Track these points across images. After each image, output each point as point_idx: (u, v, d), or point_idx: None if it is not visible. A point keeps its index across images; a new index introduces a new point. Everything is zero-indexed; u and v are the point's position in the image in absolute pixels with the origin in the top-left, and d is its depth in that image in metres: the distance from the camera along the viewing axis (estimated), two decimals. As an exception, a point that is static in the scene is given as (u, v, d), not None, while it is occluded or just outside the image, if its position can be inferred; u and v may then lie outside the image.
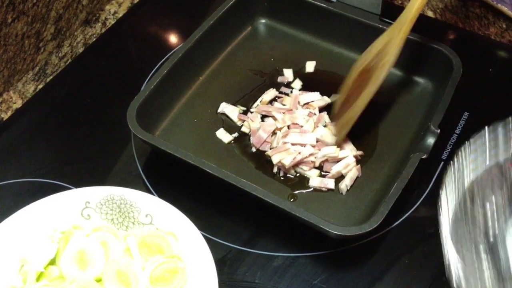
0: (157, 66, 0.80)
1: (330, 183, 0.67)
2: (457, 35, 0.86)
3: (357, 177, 0.67)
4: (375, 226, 0.58)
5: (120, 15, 0.89)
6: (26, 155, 0.72)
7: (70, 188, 0.65)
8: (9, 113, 0.77)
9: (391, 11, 0.83)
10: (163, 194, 0.66)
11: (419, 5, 0.64)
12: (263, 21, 0.84)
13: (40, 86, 0.80)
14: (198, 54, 0.76)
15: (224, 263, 0.62)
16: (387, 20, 0.77)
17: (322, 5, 0.78)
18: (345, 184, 0.66)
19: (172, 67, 0.72)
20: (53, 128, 0.75)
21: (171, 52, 0.81)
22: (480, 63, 0.81)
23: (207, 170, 0.63)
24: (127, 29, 0.87)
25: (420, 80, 0.76)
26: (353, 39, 0.79)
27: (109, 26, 0.87)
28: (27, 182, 0.69)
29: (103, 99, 0.78)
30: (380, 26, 0.76)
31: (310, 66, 0.79)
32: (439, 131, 0.64)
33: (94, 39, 0.86)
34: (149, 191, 0.67)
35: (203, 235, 0.58)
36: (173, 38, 0.87)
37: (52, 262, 0.57)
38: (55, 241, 0.57)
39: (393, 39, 0.65)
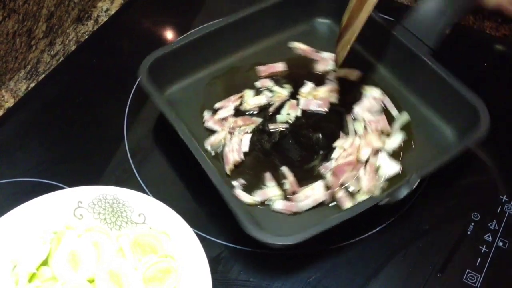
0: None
1: (294, 207, 0.64)
2: (452, 29, 0.85)
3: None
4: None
5: (113, 12, 0.88)
6: (18, 154, 0.71)
7: (63, 188, 0.65)
8: (1, 112, 0.76)
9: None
10: (156, 193, 0.65)
11: None
12: (323, 21, 0.83)
13: (32, 85, 0.79)
14: (243, 28, 0.76)
15: (218, 262, 0.61)
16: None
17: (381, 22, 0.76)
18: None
19: (211, 31, 0.73)
20: (46, 127, 0.74)
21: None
22: (475, 57, 0.80)
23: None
24: (119, 26, 0.87)
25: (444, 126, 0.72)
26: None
27: (102, 23, 0.87)
28: (19, 182, 0.68)
29: (96, 97, 0.78)
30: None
31: None
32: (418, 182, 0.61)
33: (87, 37, 0.85)
34: (142, 190, 0.67)
35: (196, 233, 0.58)
36: (166, 35, 0.86)
37: (44, 263, 0.56)
38: (47, 241, 0.57)
39: None
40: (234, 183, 0.66)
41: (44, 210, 0.59)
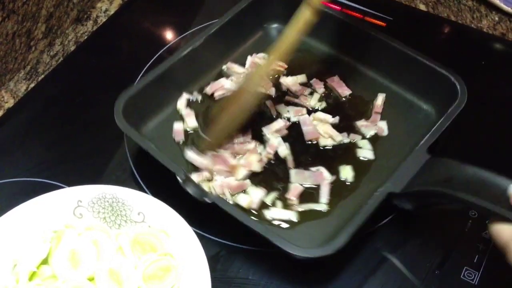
0: (149, 63, 0.80)
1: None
2: (449, 28, 0.85)
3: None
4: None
5: (112, 12, 0.89)
6: (18, 154, 0.72)
7: (63, 187, 0.65)
8: (1, 113, 0.77)
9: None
10: (156, 192, 0.65)
11: (284, 47, 0.64)
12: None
13: (32, 85, 0.80)
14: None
15: (217, 260, 0.62)
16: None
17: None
18: None
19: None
20: (46, 127, 0.75)
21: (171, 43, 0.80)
22: (473, 56, 0.80)
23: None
24: (118, 26, 0.87)
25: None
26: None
27: (101, 23, 0.87)
28: (19, 182, 0.69)
29: (95, 97, 0.78)
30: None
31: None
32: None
33: (86, 37, 0.85)
34: (142, 189, 0.67)
35: (196, 232, 0.58)
36: (165, 35, 0.86)
37: (45, 261, 0.57)
38: (47, 240, 0.57)
39: (260, 69, 0.67)
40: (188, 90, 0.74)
41: (44, 209, 0.59)
